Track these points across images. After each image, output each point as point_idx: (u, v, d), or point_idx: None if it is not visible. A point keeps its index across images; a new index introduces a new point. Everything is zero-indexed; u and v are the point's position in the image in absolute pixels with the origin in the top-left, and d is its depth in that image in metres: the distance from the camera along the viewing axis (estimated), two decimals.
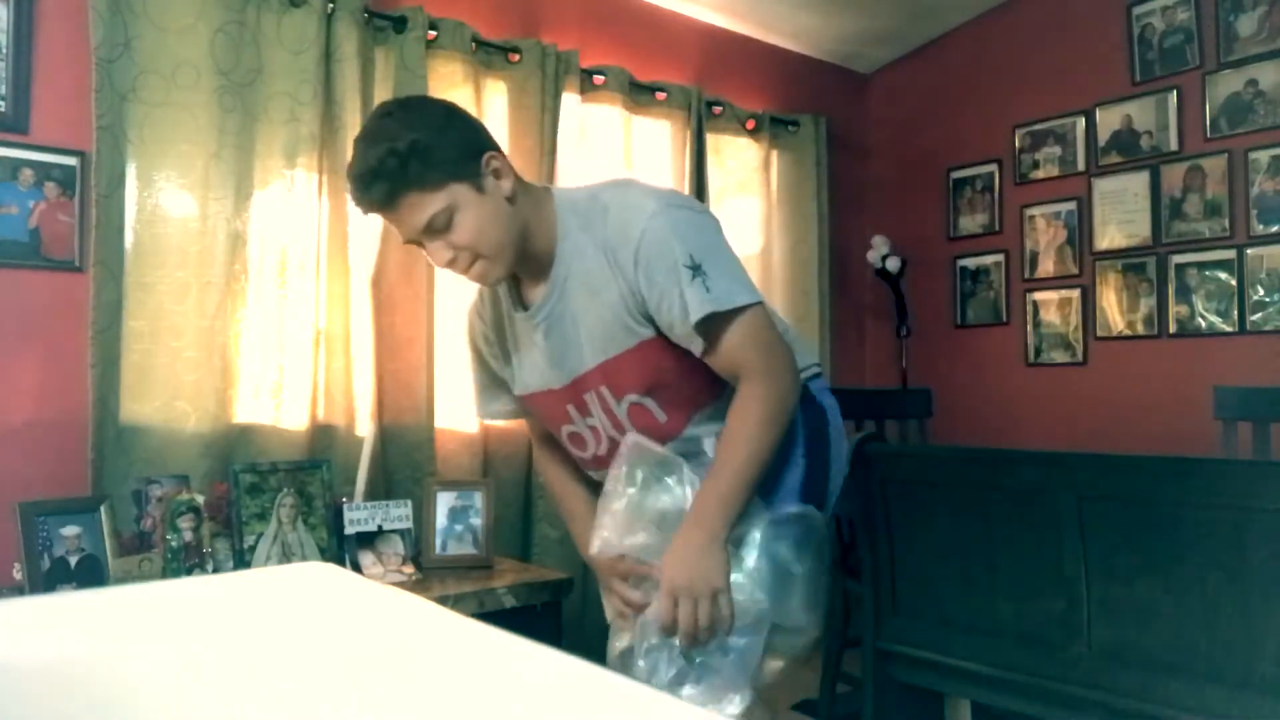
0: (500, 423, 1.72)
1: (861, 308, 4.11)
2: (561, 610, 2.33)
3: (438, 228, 1.25)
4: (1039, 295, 3.58)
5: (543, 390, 1.43)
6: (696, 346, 1.28)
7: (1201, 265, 3.13)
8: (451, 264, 1.28)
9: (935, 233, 3.92)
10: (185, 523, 1.99)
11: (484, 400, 1.59)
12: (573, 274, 1.32)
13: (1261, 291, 3.00)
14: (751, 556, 1.30)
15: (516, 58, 2.88)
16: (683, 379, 1.34)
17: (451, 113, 1.31)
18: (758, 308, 1.29)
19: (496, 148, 1.31)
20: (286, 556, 2.12)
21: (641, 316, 1.30)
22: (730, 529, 1.27)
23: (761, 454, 1.28)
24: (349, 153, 2.44)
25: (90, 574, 1.92)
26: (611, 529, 1.34)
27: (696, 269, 1.24)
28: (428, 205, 1.23)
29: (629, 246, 1.27)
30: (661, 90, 3.26)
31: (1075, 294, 3.47)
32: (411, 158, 1.20)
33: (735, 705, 1.26)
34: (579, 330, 1.34)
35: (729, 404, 1.32)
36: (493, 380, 1.55)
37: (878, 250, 3.81)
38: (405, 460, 2.60)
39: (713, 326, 1.26)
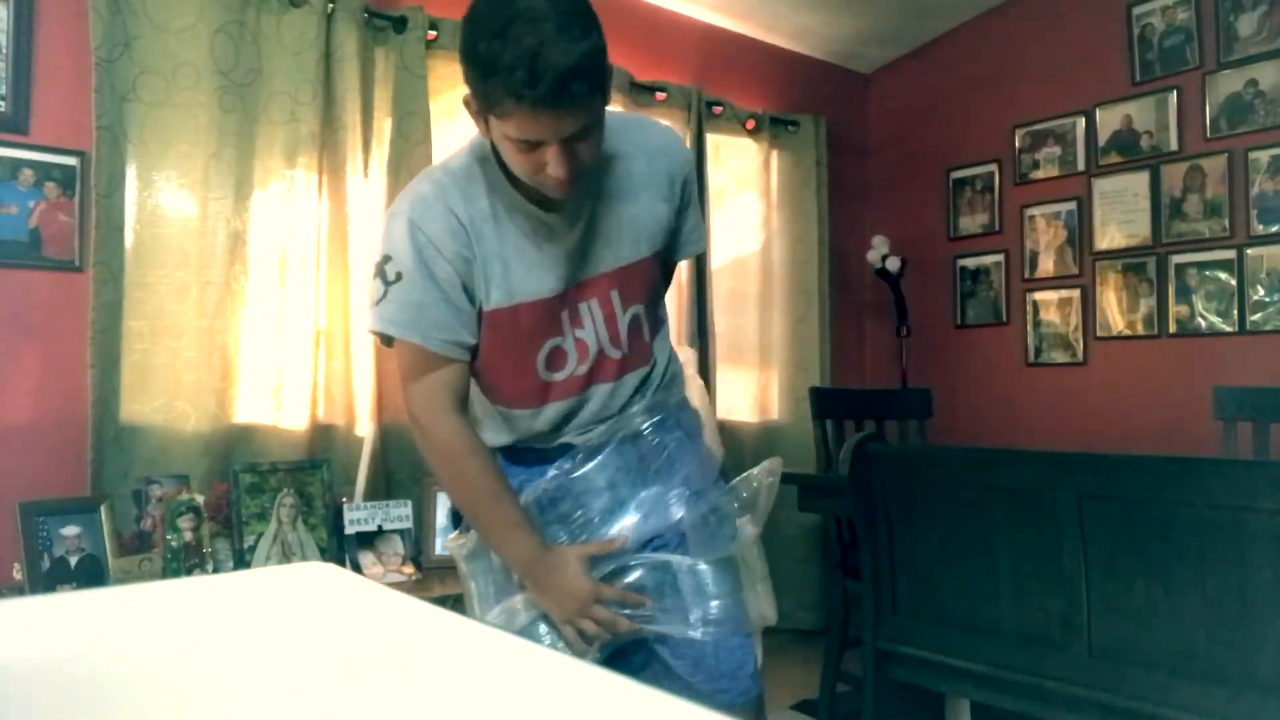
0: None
1: (861, 308, 4.11)
2: None
3: (579, 137, 1.14)
4: (1039, 295, 3.58)
5: (533, 300, 1.27)
6: (689, 251, 1.45)
7: (1201, 265, 3.13)
8: (563, 176, 1.15)
9: (935, 233, 3.92)
10: (185, 523, 1.99)
11: (418, 322, 1.25)
12: (612, 175, 1.30)
13: (1261, 291, 3.00)
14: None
15: None
16: (659, 294, 1.45)
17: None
18: None
19: None
20: (286, 556, 2.12)
21: (672, 226, 1.38)
22: None
23: None
24: (349, 153, 2.49)
25: (90, 574, 1.92)
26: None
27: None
28: (591, 112, 1.13)
29: (679, 162, 1.37)
30: (661, 90, 3.26)
31: (1075, 294, 3.47)
32: (604, 60, 1.13)
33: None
34: (609, 231, 1.31)
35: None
36: (444, 299, 1.25)
37: (878, 250, 3.81)
38: (405, 460, 2.59)
39: None
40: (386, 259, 1.25)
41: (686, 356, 1.56)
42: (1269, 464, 2.04)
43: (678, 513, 1.36)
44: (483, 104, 1.13)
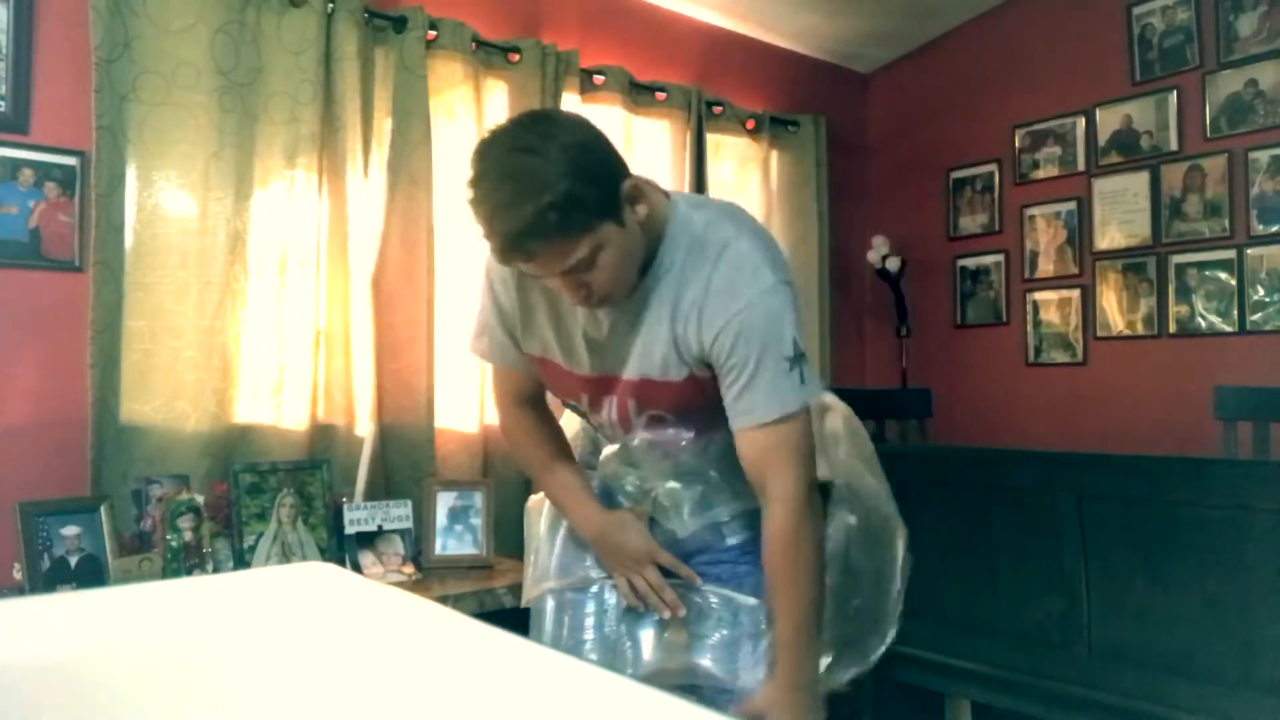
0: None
1: (861, 308, 4.11)
2: None
3: (580, 269, 1.15)
4: (1039, 295, 3.58)
5: (565, 369, 1.35)
6: (742, 421, 1.23)
7: (1201, 265, 3.13)
8: (582, 300, 1.20)
9: (935, 233, 3.92)
10: (185, 523, 1.98)
11: (482, 338, 1.43)
12: (661, 290, 1.25)
13: (1261, 291, 3.00)
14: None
15: (516, 58, 2.87)
16: (710, 411, 1.29)
17: (593, 142, 1.17)
18: (807, 411, 1.26)
19: (627, 169, 1.21)
20: (286, 556, 2.12)
21: (691, 360, 1.25)
22: (816, 678, 1.27)
23: (816, 594, 1.26)
24: (349, 152, 2.49)
25: (90, 574, 1.92)
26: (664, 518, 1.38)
27: (796, 359, 1.22)
28: (575, 250, 1.13)
29: (725, 306, 1.20)
30: (661, 90, 3.26)
31: (1075, 294, 3.47)
32: (568, 207, 1.09)
33: None
34: (636, 340, 1.27)
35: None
36: (500, 324, 1.40)
37: (878, 250, 3.81)
38: (405, 460, 2.59)
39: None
40: None
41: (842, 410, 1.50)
42: (1269, 464, 2.04)
43: (731, 539, 1.38)
44: None
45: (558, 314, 1.32)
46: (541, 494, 1.53)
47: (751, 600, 1.34)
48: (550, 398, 1.50)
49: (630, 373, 1.29)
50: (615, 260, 1.17)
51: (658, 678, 1.35)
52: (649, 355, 1.27)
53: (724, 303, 1.20)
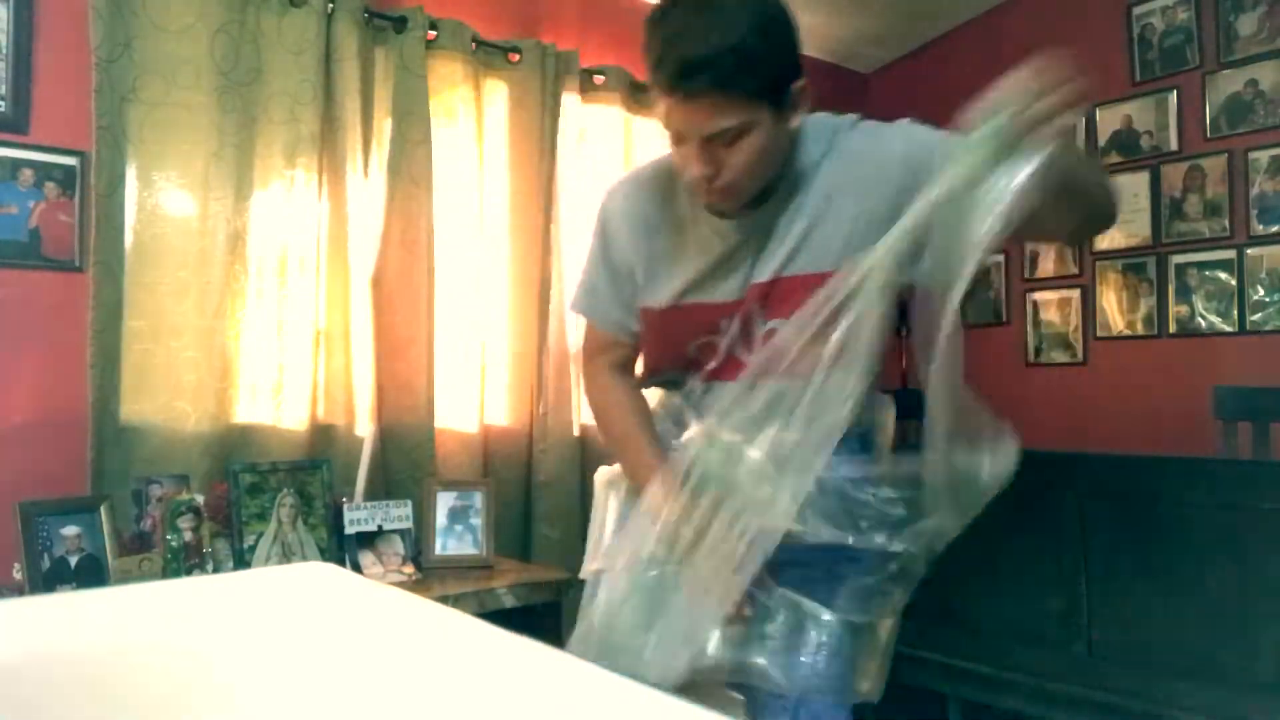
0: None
1: None
2: (561, 610, 2.33)
3: (721, 140, 1.10)
4: (1039, 295, 3.58)
5: (701, 302, 1.29)
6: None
7: (1201, 265, 3.13)
8: (703, 179, 1.14)
9: None
10: (185, 523, 1.99)
11: (591, 297, 1.39)
12: (811, 185, 1.22)
13: (1261, 291, 3.00)
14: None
15: (516, 58, 2.88)
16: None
17: (787, 21, 1.15)
18: None
19: (804, 70, 1.17)
20: (286, 556, 2.12)
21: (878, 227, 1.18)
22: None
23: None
24: (349, 152, 2.50)
25: (90, 574, 1.92)
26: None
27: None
28: (729, 114, 1.08)
29: (889, 154, 1.20)
30: None
31: (1075, 294, 3.47)
32: (747, 60, 1.06)
33: None
34: (781, 240, 1.23)
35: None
36: (611, 284, 1.36)
37: None
38: (405, 460, 2.59)
39: None
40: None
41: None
42: (1269, 464, 2.04)
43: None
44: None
45: (702, 248, 1.27)
46: (616, 466, 1.47)
47: (821, 611, 1.27)
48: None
49: (772, 274, 1.23)
50: (756, 149, 1.12)
51: (712, 673, 1.30)
52: (797, 251, 1.22)
53: (885, 153, 1.20)
